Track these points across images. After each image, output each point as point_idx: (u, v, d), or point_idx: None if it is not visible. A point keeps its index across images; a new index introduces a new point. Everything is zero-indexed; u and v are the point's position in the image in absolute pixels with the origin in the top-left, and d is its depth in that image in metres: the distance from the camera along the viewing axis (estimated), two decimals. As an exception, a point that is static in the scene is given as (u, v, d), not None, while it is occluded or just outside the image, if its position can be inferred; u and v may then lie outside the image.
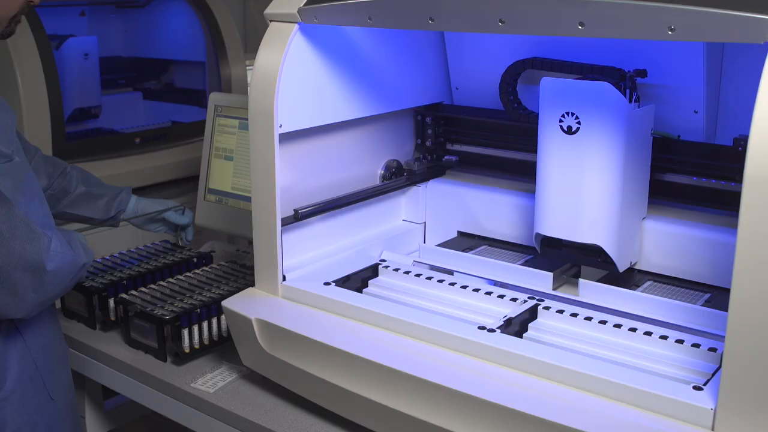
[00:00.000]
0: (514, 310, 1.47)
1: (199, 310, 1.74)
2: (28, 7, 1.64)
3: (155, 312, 1.73)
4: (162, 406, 1.74)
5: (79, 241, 1.59)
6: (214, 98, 2.36)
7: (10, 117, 1.55)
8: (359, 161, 1.86)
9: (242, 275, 1.95)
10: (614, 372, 1.22)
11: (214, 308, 1.76)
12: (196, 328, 1.74)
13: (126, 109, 3.45)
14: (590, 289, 1.59)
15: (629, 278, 1.65)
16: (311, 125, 1.64)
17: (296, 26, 1.51)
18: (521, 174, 1.86)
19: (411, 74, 1.89)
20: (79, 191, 2.01)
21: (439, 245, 1.90)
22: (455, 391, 1.25)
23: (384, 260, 1.74)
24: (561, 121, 1.53)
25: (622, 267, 1.61)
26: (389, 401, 1.34)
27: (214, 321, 1.78)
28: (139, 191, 2.20)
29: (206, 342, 1.77)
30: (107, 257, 2.11)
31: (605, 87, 1.48)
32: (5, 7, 1.57)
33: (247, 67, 3.28)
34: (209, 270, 2.00)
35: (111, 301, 1.89)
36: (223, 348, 1.80)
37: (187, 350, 1.74)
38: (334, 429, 1.51)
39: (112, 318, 1.90)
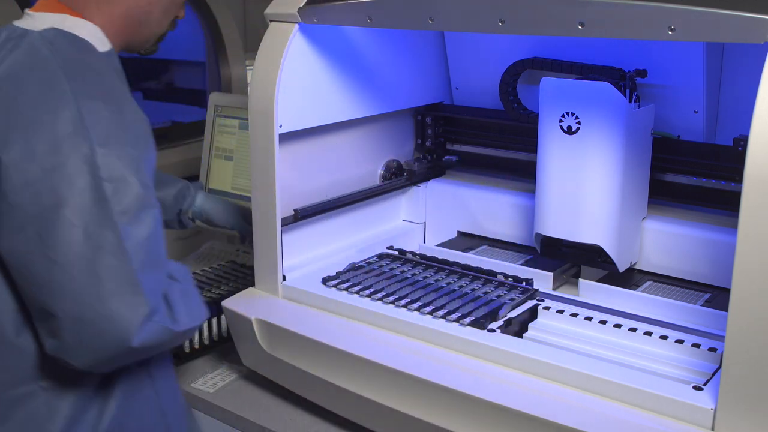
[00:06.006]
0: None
1: None
2: (174, 23, 1.53)
3: None
4: (162, 406, 1.74)
5: (189, 304, 1.32)
6: (214, 98, 2.36)
7: (152, 151, 1.33)
8: (359, 161, 1.86)
9: (242, 275, 1.95)
10: (614, 372, 1.23)
11: (214, 308, 1.76)
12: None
13: (126, 109, 3.45)
14: (590, 289, 1.59)
15: (629, 278, 1.65)
16: (311, 125, 1.64)
17: (296, 26, 1.51)
18: (521, 174, 1.86)
19: (411, 74, 1.89)
20: None
21: (439, 245, 1.90)
22: (455, 391, 1.25)
23: (384, 260, 1.74)
24: (561, 121, 1.53)
25: (622, 267, 1.61)
26: (389, 401, 1.34)
27: (214, 321, 1.78)
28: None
29: (206, 342, 1.77)
30: None
31: (605, 87, 1.48)
32: (158, 24, 1.46)
33: (247, 67, 3.28)
34: (209, 270, 2.00)
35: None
36: (223, 348, 1.80)
37: (187, 350, 1.74)
38: (334, 429, 1.51)
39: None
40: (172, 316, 1.26)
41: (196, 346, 1.75)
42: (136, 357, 1.26)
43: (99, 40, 1.34)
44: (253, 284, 1.65)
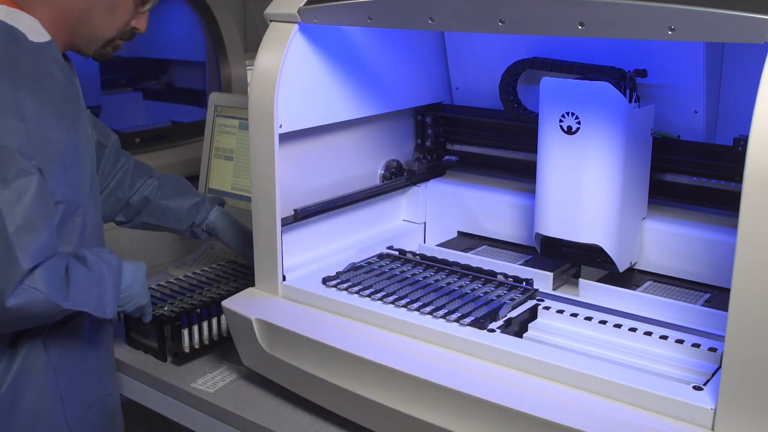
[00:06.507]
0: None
1: (199, 310, 1.74)
2: (130, 33, 1.58)
3: (155, 312, 1.73)
4: (162, 406, 1.74)
5: (90, 289, 1.43)
6: (214, 98, 2.36)
7: (67, 133, 1.43)
8: (359, 161, 1.86)
9: (242, 275, 1.95)
10: (614, 372, 1.23)
11: (214, 308, 1.77)
12: (196, 328, 1.74)
13: (126, 109, 3.46)
14: (590, 289, 1.59)
15: (629, 278, 1.65)
16: (311, 125, 1.64)
17: (296, 26, 1.51)
18: (521, 174, 1.86)
19: (411, 74, 1.89)
20: (156, 202, 1.89)
21: (439, 245, 1.90)
22: (455, 391, 1.25)
23: (384, 260, 1.74)
24: (561, 121, 1.53)
25: (622, 267, 1.61)
26: (389, 401, 1.34)
27: (214, 321, 1.78)
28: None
29: (206, 342, 1.77)
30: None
31: (605, 87, 1.48)
32: (102, 26, 1.52)
33: (247, 67, 3.28)
34: (209, 270, 2.00)
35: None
36: (223, 348, 1.80)
37: (187, 350, 1.74)
38: (334, 429, 1.51)
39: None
40: (66, 290, 1.37)
41: (196, 346, 1.75)
42: (18, 321, 1.36)
43: (35, 31, 1.43)
44: (253, 284, 1.65)
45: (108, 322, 1.63)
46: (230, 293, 1.71)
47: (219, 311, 1.75)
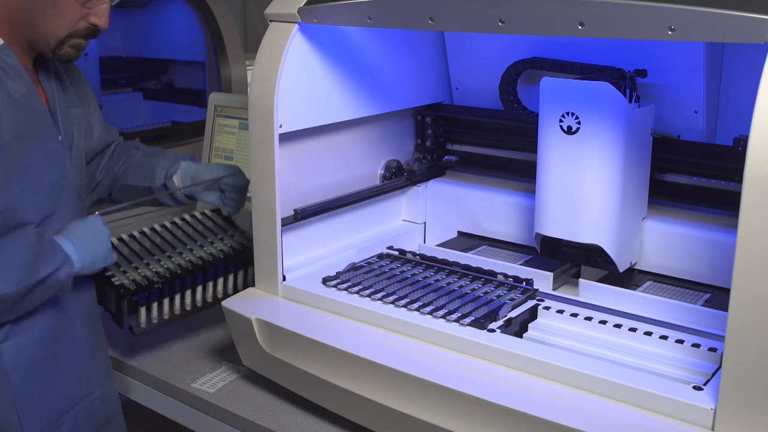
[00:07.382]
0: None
1: (160, 285, 1.67)
2: (89, 30, 1.50)
3: (115, 279, 1.64)
4: (162, 406, 1.74)
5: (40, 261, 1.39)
6: (214, 98, 2.37)
7: (10, 143, 1.41)
8: (359, 161, 1.86)
9: (221, 231, 1.86)
10: (614, 372, 1.23)
11: (177, 284, 1.69)
12: (155, 305, 1.67)
13: (126, 109, 3.46)
14: (590, 289, 1.59)
15: (629, 278, 1.66)
16: (311, 125, 1.64)
17: (296, 26, 1.51)
18: (521, 174, 1.86)
19: (411, 74, 1.89)
20: (133, 162, 1.83)
21: (439, 245, 1.90)
22: (455, 391, 1.25)
23: (384, 260, 1.74)
24: (561, 121, 1.53)
25: (622, 267, 1.61)
26: (389, 401, 1.34)
27: (177, 297, 1.70)
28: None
29: (166, 317, 1.70)
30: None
31: (605, 87, 1.48)
32: (48, 24, 1.46)
33: (247, 67, 3.28)
34: (189, 220, 1.88)
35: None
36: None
37: (143, 325, 1.67)
38: (334, 429, 1.51)
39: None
40: None
41: (154, 320, 1.68)
42: None
43: None
44: (239, 245, 1.63)
45: (92, 323, 1.60)
46: (201, 259, 1.66)
47: (182, 287, 1.70)
